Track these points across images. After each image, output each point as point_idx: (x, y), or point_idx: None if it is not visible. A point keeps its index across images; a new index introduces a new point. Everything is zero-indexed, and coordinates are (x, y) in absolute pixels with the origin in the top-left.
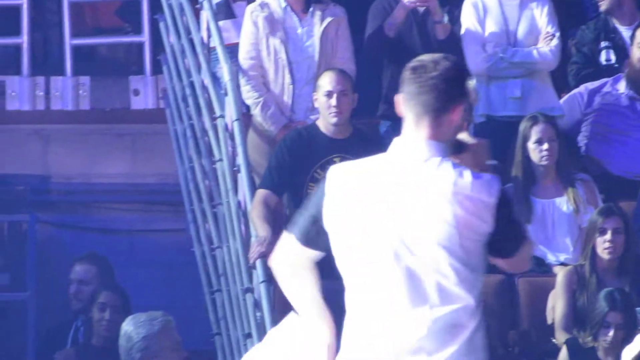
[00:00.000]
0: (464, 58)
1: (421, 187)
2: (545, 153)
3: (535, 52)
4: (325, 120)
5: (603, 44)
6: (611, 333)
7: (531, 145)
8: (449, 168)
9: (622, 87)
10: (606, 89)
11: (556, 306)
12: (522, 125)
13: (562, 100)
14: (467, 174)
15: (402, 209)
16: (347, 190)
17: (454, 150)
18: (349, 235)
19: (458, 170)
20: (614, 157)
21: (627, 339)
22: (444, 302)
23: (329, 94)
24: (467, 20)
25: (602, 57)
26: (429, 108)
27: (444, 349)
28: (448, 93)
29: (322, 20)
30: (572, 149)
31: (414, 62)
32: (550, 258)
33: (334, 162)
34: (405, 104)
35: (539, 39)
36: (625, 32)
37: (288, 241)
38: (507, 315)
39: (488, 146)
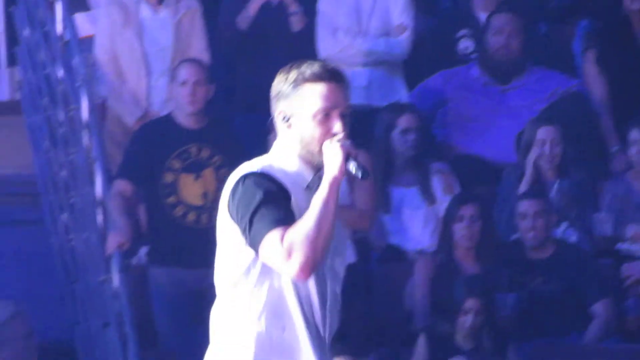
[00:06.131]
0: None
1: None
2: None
3: (384, 42)
4: (181, 110)
5: (461, 32)
6: (470, 319)
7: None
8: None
9: (476, 73)
10: (460, 75)
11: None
12: (386, 115)
13: (415, 89)
14: (234, 173)
15: None
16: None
17: None
18: None
19: (236, 171)
20: (470, 143)
21: (486, 325)
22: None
23: (184, 84)
24: (323, 6)
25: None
26: None
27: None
28: None
29: (177, 11)
30: (427, 137)
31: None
32: None
33: (190, 152)
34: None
35: (391, 29)
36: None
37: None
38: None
39: None
